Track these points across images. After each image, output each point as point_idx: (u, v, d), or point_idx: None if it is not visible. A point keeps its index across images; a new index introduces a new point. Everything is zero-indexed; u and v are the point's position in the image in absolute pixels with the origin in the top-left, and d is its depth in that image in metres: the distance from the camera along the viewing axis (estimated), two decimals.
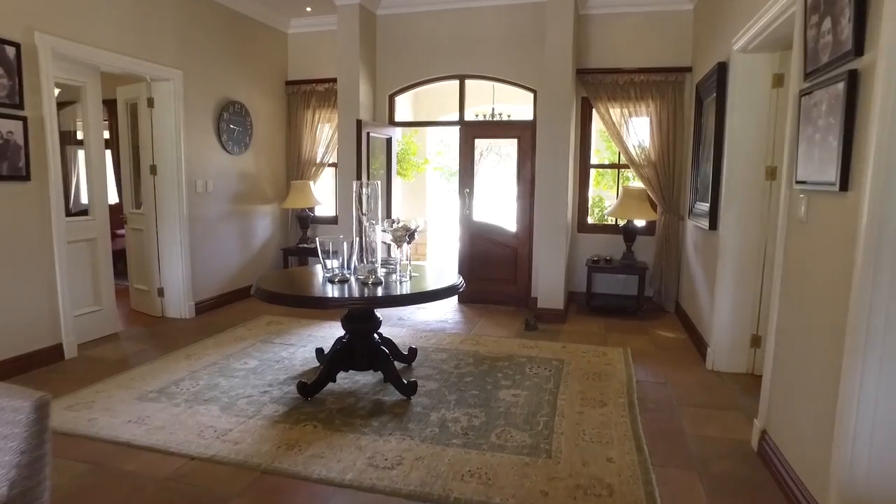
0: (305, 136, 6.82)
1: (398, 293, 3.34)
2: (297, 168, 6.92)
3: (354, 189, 3.71)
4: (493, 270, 6.14)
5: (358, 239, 3.67)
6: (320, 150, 6.76)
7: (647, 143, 5.77)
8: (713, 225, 4.16)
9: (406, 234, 3.60)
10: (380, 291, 3.38)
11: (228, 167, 5.98)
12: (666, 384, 3.83)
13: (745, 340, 3.94)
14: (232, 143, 5.95)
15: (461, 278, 3.79)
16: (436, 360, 4.27)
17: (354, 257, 3.67)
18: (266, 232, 6.71)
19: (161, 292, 5.41)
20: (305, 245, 6.73)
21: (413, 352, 4.21)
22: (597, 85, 5.79)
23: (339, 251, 3.63)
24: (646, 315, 5.70)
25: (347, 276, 3.60)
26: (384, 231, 3.66)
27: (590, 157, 6.17)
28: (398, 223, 3.69)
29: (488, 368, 4.10)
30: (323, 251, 3.63)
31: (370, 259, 3.68)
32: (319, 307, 3.79)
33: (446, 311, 5.94)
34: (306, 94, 6.76)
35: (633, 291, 6.06)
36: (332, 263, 3.61)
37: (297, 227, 6.95)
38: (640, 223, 5.84)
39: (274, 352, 4.44)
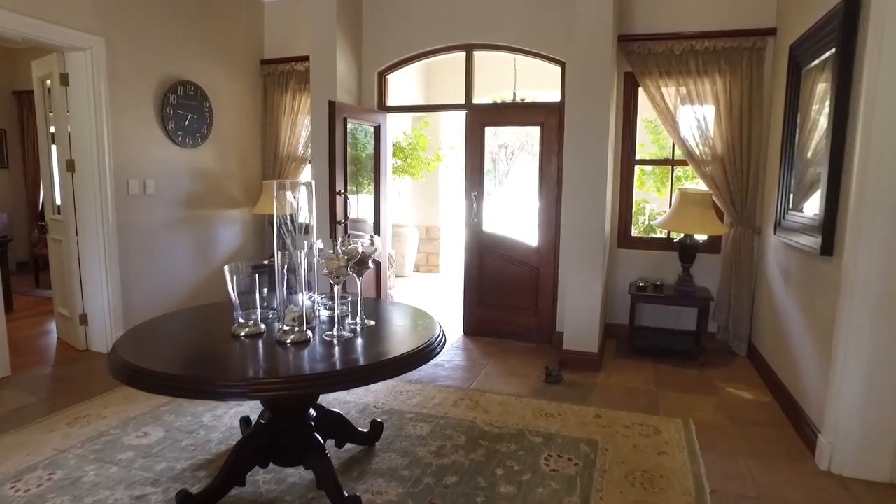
0: (283, 126, 5.63)
1: (324, 369, 2.04)
2: (275, 165, 5.73)
3: (275, 193, 2.44)
4: (507, 296, 4.82)
5: (283, 267, 2.42)
6: (301, 143, 5.55)
7: (711, 131, 4.35)
8: (827, 247, 2.76)
9: (349, 265, 2.32)
10: (302, 360, 2.11)
11: (178, 163, 4.82)
12: (759, 501, 2.44)
13: (888, 433, 2.53)
14: (183, 133, 4.79)
15: (441, 329, 2.50)
16: (411, 439, 2.98)
17: (279, 295, 2.42)
18: (233, 243, 5.54)
19: (84, 319, 4.28)
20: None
21: (378, 427, 2.93)
22: (645, 56, 4.41)
23: (253, 286, 2.38)
24: (708, 360, 4.29)
25: (261, 327, 2.35)
26: (328, 258, 2.39)
27: (634, 151, 4.78)
28: (348, 244, 2.40)
29: (485, 457, 2.79)
30: (232, 285, 2.39)
31: (309, 298, 2.44)
32: (185, 395, 2.06)
33: (445, 348, 4.64)
34: (284, 74, 5.56)
35: (690, 326, 4.65)
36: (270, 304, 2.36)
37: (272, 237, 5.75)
38: (699, 237, 4.42)
39: (194, 414, 3.23)
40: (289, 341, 2.20)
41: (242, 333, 2.30)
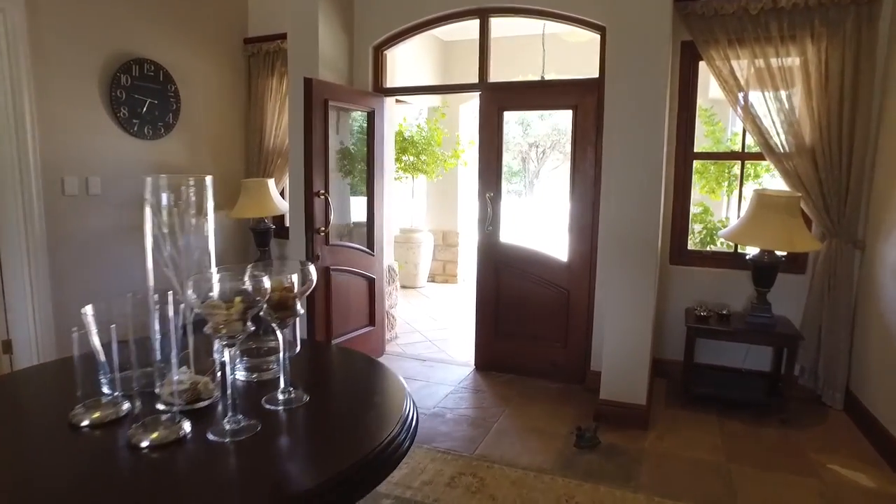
0: (269, 115, 4.80)
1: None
2: (259, 160, 4.91)
3: (148, 196, 1.56)
4: (530, 323, 3.87)
5: (158, 309, 1.53)
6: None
7: (798, 114, 3.33)
8: None
9: (248, 315, 1.41)
10: (137, 491, 1.21)
11: (134, 157, 4.03)
12: None
13: None
14: (140, 122, 4.00)
15: (409, 411, 1.57)
16: None
17: (174, 356, 1.53)
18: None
19: (7, 347, 3.51)
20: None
21: None
22: (710, 19, 3.41)
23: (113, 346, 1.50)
24: (792, 415, 3.26)
25: (122, 407, 1.47)
26: (210, 306, 1.48)
27: (692, 142, 3.78)
28: (256, 278, 1.48)
29: None
30: (95, 329, 1.51)
31: (217, 352, 1.57)
32: None
33: (452, 386, 3.73)
34: (270, 54, 4.73)
35: (763, 365, 3.64)
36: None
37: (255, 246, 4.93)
38: (780, 252, 3.39)
39: None
40: (146, 443, 1.31)
41: (86, 422, 1.42)
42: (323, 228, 3.56)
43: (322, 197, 3.54)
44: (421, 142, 6.82)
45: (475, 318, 4.02)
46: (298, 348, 1.84)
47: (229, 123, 4.82)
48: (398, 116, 7.26)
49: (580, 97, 3.55)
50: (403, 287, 7.16)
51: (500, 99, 3.78)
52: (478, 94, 3.85)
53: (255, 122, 4.88)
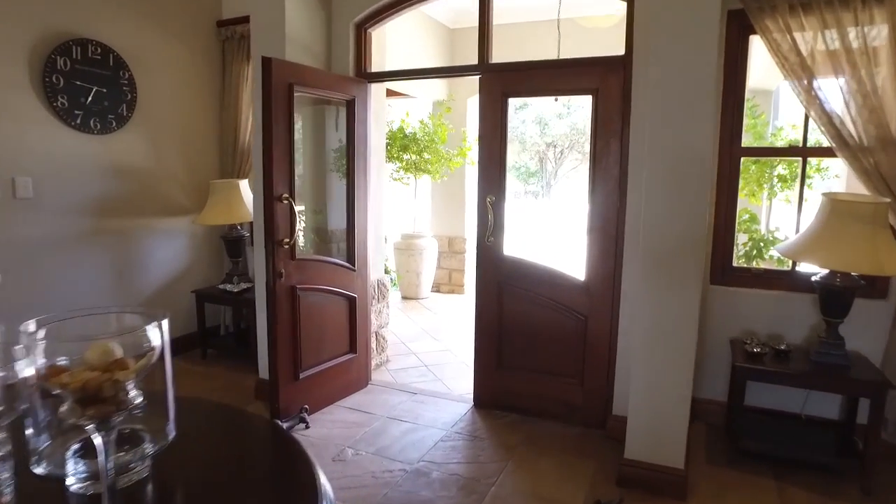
0: (244, 107, 4.21)
1: None
2: (234, 159, 4.33)
3: None
4: (539, 354, 3.21)
5: None
6: None
7: (882, 96, 2.61)
8: None
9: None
10: None
11: (79, 155, 3.46)
12: None
13: None
14: (84, 113, 3.43)
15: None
16: None
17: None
18: (176, 264, 4.15)
19: None
20: (232, 286, 4.09)
21: None
22: None
23: None
24: (876, 482, 2.55)
25: None
26: None
27: (740, 134, 3.08)
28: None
29: None
30: None
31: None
32: None
33: (444, 431, 3.09)
34: (245, 38, 4.14)
35: (830, 412, 2.93)
36: None
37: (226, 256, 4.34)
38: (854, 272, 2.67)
39: None
40: None
41: None
42: (287, 240, 2.94)
43: (286, 202, 2.92)
44: (424, 138, 6.18)
45: (474, 347, 3.37)
46: (172, 435, 1.21)
47: (201, 117, 4.24)
48: (399, 112, 6.64)
49: (602, 79, 2.88)
50: (405, 298, 6.54)
51: (503, 83, 3.11)
52: (477, 77, 3.20)
53: (228, 115, 4.30)
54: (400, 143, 6.16)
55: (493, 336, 3.29)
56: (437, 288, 7.02)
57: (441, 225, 7.03)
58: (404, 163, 6.30)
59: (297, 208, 3.04)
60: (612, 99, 2.86)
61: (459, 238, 6.95)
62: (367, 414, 3.31)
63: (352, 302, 3.48)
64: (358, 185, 3.44)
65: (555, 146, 25.28)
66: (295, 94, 2.96)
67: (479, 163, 3.23)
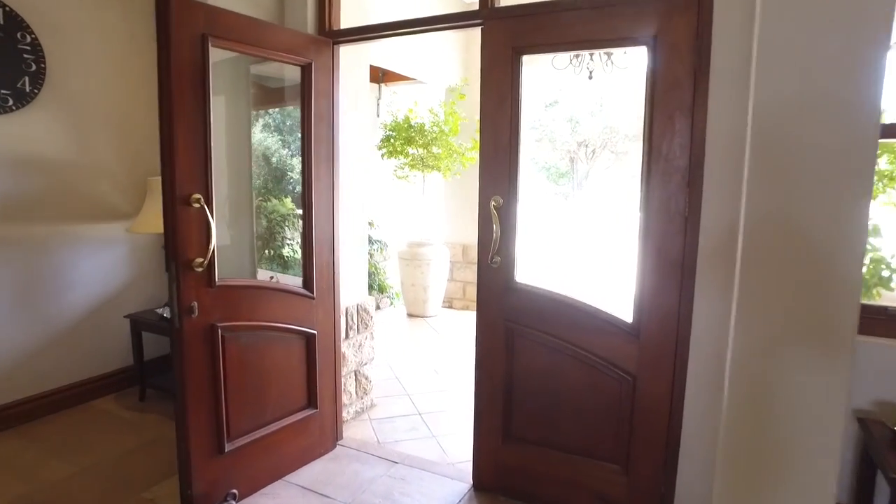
0: None
1: None
2: None
3: None
4: (563, 424, 2.23)
5: None
6: None
7: None
8: None
9: None
10: None
11: None
12: None
13: None
14: None
15: None
16: None
17: None
18: (103, 280, 3.31)
19: None
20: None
21: None
22: None
23: None
24: None
25: None
26: None
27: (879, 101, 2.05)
28: None
29: None
30: None
31: None
32: None
33: None
34: None
35: None
36: None
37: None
38: None
39: None
40: None
41: None
42: (201, 259, 2.04)
43: (197, 205, 2.02)
44: (432, 130, 5.26)
45: (474, 408, 2.41)
46: None
47: (144, 99, 3.39)
48: (408, 102, 5.73)
49: (663, 21, 1.89)
50: (410, 316, 5.63)
51: (514, 33, 2.15)
52: (480, 29, 2.24)
53: None
54: (404, 136, 5.25)
55: (498, 396, 2.33)
56: (448, 303, 6.09)
57: (453, 231, 6.09)
58: (410, 158, 5.38)
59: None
60: (679, 52, 1.88)
61: (475, 246, 5.98)
62: (324, 499, 2.39)
63: (309, 341, 2.57)
64: (317, 180, 2.52)
65: (586, 145, 24.14)
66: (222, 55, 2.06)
67: (481, 152, 2.27)
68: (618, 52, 3.91)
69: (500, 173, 2.22)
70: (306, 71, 2.44)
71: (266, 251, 4.00)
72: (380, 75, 5.72)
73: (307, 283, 2.55)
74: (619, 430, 2.13)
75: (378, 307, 5.75)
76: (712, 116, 1.82)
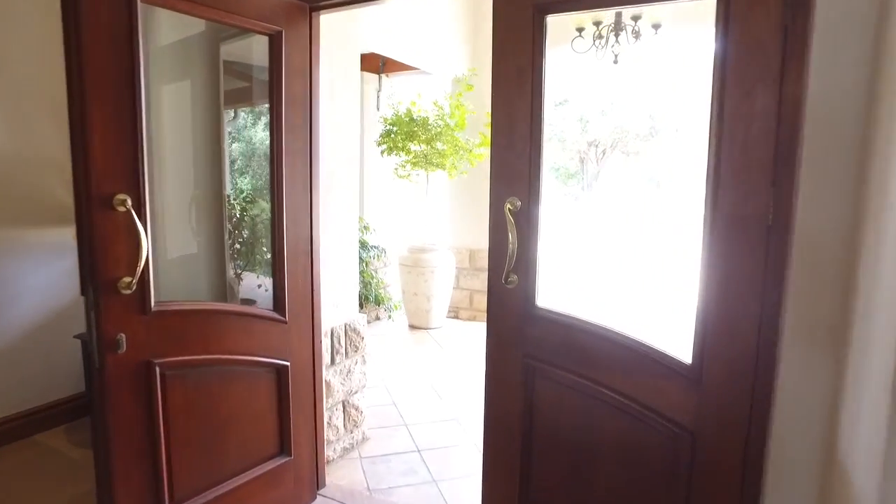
0: None
1: None
2: None
3: None
4: (599, 491, 1.74)
5: None
6: None
7: None
8: None
9: None
10: None
11: None
12: None
13: None
14: None
15: None
16: None
17: None
18: (50, 294, 2.86)
19: None
20: None
21: None
22: None
23: None
24: None
25: None
26: None
27: None
28: None
29: None
30: None
31: None
32: None
33: None
34: None
35: None
36: None
37: None
38: None
39: None
40: None
41: None
42: (129, 278, 1.57)
43: (123, 209, 1.54)
44: (436, 124, 4.78)
45: (483, 465, 1.93)
46: None
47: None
48: (410, 94, 5.26)
49: None
50: (412, 328, 5.15)
51: None
52: None
53: None
54: (406, 131, 4.78)
55: (513, 452, 1.84)
56: (454, 313, 5.61)
57: (460, 234, 5.61)
58: (412, 155, 4.91)
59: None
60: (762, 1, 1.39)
61: (483, 251, 5.50)
62: None
63: (281, 374, 2.09)
64: (290, 177, 2.05)
65: (596, 145, 23.59)
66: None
67: (493, 143, 1.79)
68: (648, 30, 3.42)
69: (518, 169, 1.74)
70: (275, 42, 1.97)
71: (254, 256, 3.55)
72: (380, 65, 5.25)
73: (278, 303, 2.08)
74: (671, 500, 1.64)
75: (377, 318, 5.27)
76: (816, 91, 1.32)
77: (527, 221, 1.73)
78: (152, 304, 1.65)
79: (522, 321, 1.79)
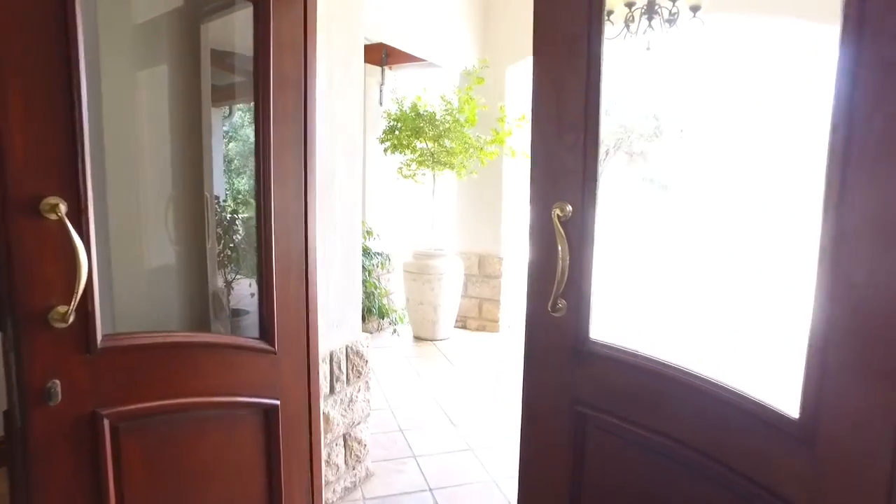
0: None
1: None
2: None
3: None
4: None
5: None
6: None
7: None
8: None
9: None
10: None
11: None
12: None
13: None
14: None
15: None
16: None
17: None
18: None
19: None
20: None
21: None
22: None
23: None
24: None
25: None
26: None
27: None
28: None
29: None
30: None
31: None
32: None
33: None
34: None
35: None
36: None
37: None
38: None
39: None
40: None
41: None
42: (63, 308, 1.19)
43: (56, 216, 1.17)
44: (444, 119, 4.41)
45: None
46: None
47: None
48: (416, 88, 4.90)
49: None
50: (417, 339, 4.79)
51: None
52: None
53: None
54: (411, 127, 4.41)
55: None
56: (462, 323, 5.23)
57: (468, 239, 5.23)
58: (418, 153, 4.54)
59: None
60: None
61: (493, 256, 5.14)
62: None
63: (269, 415, 1.71)
64: (280, 177, 1.67)
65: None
66: None
67: (535, 132, 1.42)
68: (685, 13, 3.04)
69: (569, 165, 1.36)
70: (260, 8, 1.59)
71: (248, 262, 3.20)
72: (383, 56, 4.88)
73: (266, 330, 1.70)
74: None
75: (379, 328, 4.90)
76: None
77: (579, 232, 1.36)
78: (99, 339, 1.28)
79: (572, 359, 1.41)
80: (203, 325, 2.14)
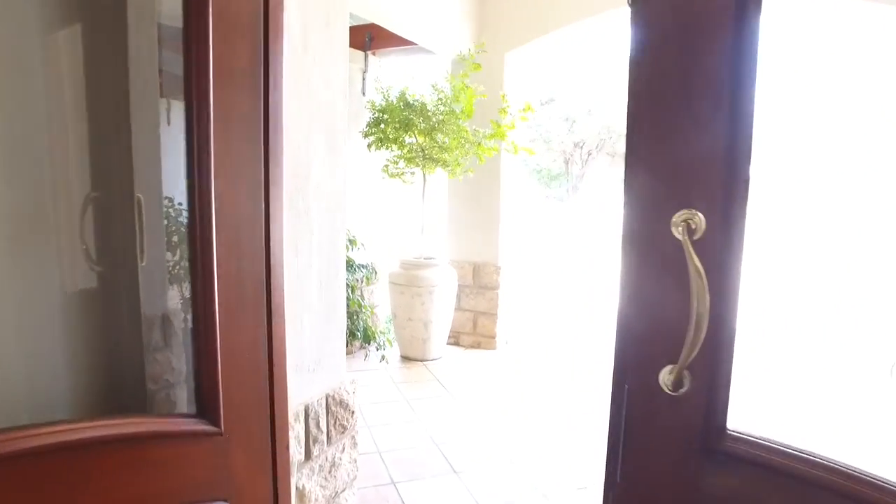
0: None
1: None
2: None
3: None
4: None
5: None
6: None
7: None
8: None
9: None
10: None
11: None
12: None
13: None
14: None
15: None
16: None
17: None
18: None
19: None
20: None
21: None
22: None
23: None
24: None
25: None
26: None
27: None
28: None
29: None
30: None
31: None
32: None
33: None
34: None
35: None
36: None
37: None
38: None
39: None
40: None
41: None
42: None
43: None
44: (436, 111, 3.86)
45: None
46: None
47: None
48: (402, 77, 4.35)
49: None
50: (405, 359, 4.24)
51: None
52: None
53: None
54: (399, 119, 3.86)
55: None
56: (454, 339, 4.69)
57: (462, 246, 4.68)
58: (406, 149, 3.99)
59: None
60: None
61: (490, 265, 4.60)
62: None
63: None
64: (225, 164, 1.10)
65: (581, 146, 22.87)
66: None
67: (634, 99, 0.88)
68: None
69: (699, 152, 0.83)
70: None
71: None
72: (366, 40, 4.32)
73: (206, 403, 1.13)
74: None
75: (366, 355, 4.31)
76: None
77: (717, 259, 0.83)
78: None
79: (697, 461, 0.88)
80: (126, 391, 1.55)
